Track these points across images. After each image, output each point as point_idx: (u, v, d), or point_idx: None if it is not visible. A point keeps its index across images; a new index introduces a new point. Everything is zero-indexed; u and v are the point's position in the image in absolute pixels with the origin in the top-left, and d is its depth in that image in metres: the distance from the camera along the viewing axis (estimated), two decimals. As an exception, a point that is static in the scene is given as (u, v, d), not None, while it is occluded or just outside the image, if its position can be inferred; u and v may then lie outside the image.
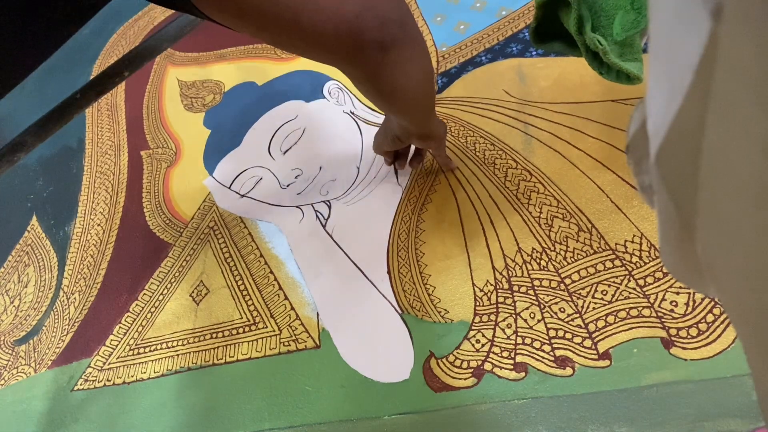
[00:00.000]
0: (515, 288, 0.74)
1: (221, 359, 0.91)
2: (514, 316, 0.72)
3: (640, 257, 0.69)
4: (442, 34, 1.05)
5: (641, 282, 0.67)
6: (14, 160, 0.89)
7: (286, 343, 0.87)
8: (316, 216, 0.97)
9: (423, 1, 1.12)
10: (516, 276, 0.75)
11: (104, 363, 1.04)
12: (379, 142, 0.84)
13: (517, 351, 0.70)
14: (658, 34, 0.22)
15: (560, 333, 0.69)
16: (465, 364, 0.72)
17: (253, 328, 0.91)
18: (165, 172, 1.24)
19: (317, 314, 0.87)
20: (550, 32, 0.68)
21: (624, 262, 0.70)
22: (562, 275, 0.72)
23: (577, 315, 0.69)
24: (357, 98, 1.07)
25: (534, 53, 0.91)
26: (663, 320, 0.64)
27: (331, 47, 0.52)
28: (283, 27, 0.50)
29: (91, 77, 1.50)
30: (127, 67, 0.84)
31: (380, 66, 0.54)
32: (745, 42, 0.16)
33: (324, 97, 1.10)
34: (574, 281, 0.71)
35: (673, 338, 0.63)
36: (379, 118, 1.02)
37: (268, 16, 0.49)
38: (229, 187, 1.11)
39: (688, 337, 0.62)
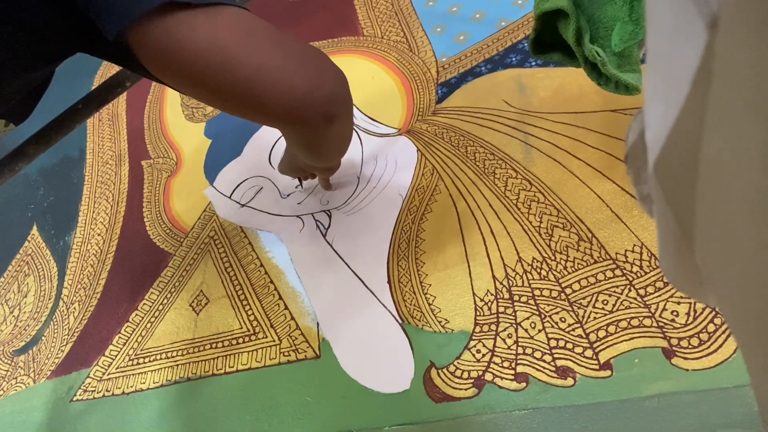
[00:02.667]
0: (516, 298, 0.74)
1: (221, 369, 0.91)
2: (514, 325, 0.72)
3: (641, 267, 0.69)
4: (442, 44, 1.05)
5: (642, 292, 0.67)
6: (15, 170, 0.89)
7: (286, 353, 0.86)
8: (317, 225, 0.97)
9: (423, 12, 1.13)
10: (516, 285, 0.75)
11: (103, 373, 1.03)
12: (282, 170, 0.91)
13: (518, 361, 0.70)
14: (655, 46, 0.22)
15: (561, 343, 0.69)
16: (466, 375, 0.72)
17: (253, 338, 0.91)
18: (166, 181, 1.24)
19: (317, 324, 0.87)
20: (549, 43, 0.68)
21: (624, 271, 0.69)
22: (563, 285, 0.72)
23: (578, 325, 0.69)
24: (357, 108, 1.07)
25: (533, 64, 0.92)
26: (664, 330, 0.64)
27: (279, 118, 0.57)
28: (234, 97, 0.53)
29: (93, 87, 1.50)
30: (128, 78, 0.85)
31: (321, 135, 0.60)
32: (741, 53, 0.16)
33: (324, 107, 1.11)
34: (574, 291, 0.71)
35: (674, 348, 0.63)
36: (380, 128, 1.02)
37: (222, 86, 0.51)
38: (230, 197, 1.11)
39: (690, 347, 0.62)
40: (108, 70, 1.56)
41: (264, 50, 0.51)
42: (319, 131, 0.59)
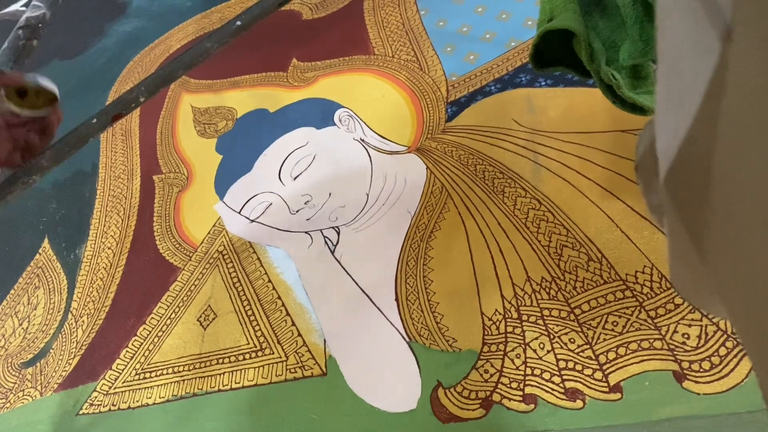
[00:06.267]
0: (524, 317, 0.73)
1: (227, 385, 0.91)
2: (523, 346, 0.71)
3: (651, 288, 0.68)
4: (452, 64, 1.06)
5: (652, 313, 0.67)
6: (30, 183, 0.90)
7: (293, 370, 0.86)
8: (325, 242, 0.97)
9: (434, 31, 1.14)
10: (525, 305, 0.74)
11: (110, 387, 1.03)
12: None
13: (527, 382, 0.69)
14: (667, 58, 0.22)
15: (570, 364, 0.68)
16: (473, 395, 0.71)
17: (259, 354, 0.91)
18: (176, 196, 1.25)
19: (324, 341, 0.86)
20: (550, 59, 0.69)
21: (635, 293, 0.69)
22: (572, 305, 0.71)
23: (588, 346, 0.68)
24: (367, 126, 1.08)
25: (543, 83, 0.92)
26: (675, 353, 0.63)
27: None
28: None
29: (107, 103, 1.52)
30: (142, 93, 0.86)
31: None
32: (755, 64, 0.16)
33: (335, 125, 1.12)
34: (584, 311, 0.70)
35: (685, 371, 0.62)
36: (390, 146, 1.02)
37: None
38: (239, 212, 1.12)
39: (701, 370, 0.61)
40: (122, 85, 1.58)
41: None
42: None
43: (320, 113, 1.15)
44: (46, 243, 1.38)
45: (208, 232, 1.13)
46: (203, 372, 0.94)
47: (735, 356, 0.61)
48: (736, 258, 0.20)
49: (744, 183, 0.18)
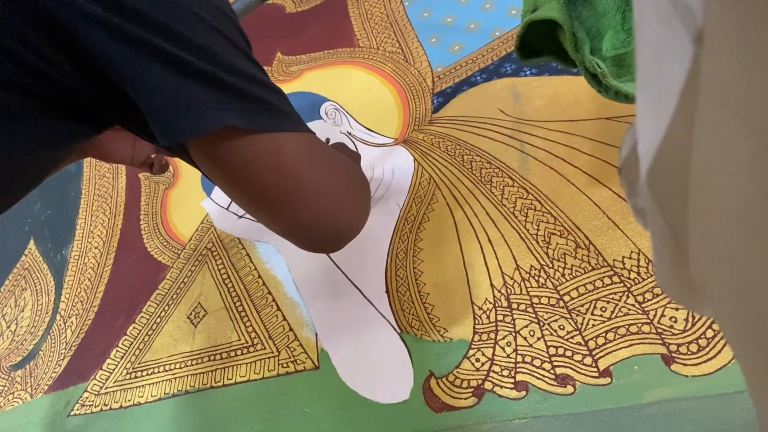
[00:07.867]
0: (514, 306, 0.74)
1: (219, 382, 0.91)
2: (513, 334, 0.72)
3: (638, 273, 0.69)
4: (437, 54, 1.06)
5: (640, 298, 0.67)
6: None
7: (285, 365, 0.86)
8: (314, 236, 0.97)
9: (418, 23, 1.13)
10: (515, 294, 0.75)
11: (101, 387, 1.03)
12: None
13: (518, 369, 0.70)
14: (644, 60, 0.22)
15: (560, 351, 0.68)
16: (465, 384, 0.72)
17: (251, 349, 0.91)
18: (163, 194, 1.24)
19: (316, 335, 0.86)
20: (535, 50, 0.69)
21: (622, 278, 0.70)
22: (561, 292, 0.72)
23: (577, 332, 0.69)
24: (354, 119, 1.07)
25: (528, 73, 0.92)
26: (663, 336, 0.64)
27: (280, 231, 0.56)
28: (263, 203, 0.53)
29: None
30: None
31: (326, 250, 0.61)
32: (727, 65, 0.16)
33: (321, 118, 1.11)
34: (573, 298, 0.71)
35: (673, 354, 0.63)
36: (377, 138, 1.02)
37: (260, 198, 0.52)
38: (227, 209, 1.11)
39: (689, 353, 0.62)
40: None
41: (319, 174, 0.54)
42: (322, 250, 0.60)
43: (306, 107, 1.15)
44: (31, 244, 1.37)
45: (196, 229, 1.13)
46: (195, 369, 0.94)
47: (722, 338, 0.62)
48: (716, 256, 0.20)
49: (720, 181, 0.18)
